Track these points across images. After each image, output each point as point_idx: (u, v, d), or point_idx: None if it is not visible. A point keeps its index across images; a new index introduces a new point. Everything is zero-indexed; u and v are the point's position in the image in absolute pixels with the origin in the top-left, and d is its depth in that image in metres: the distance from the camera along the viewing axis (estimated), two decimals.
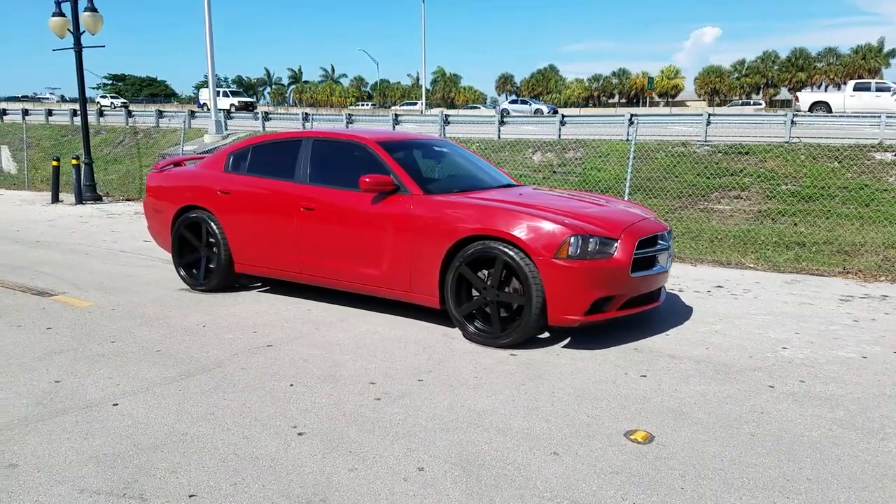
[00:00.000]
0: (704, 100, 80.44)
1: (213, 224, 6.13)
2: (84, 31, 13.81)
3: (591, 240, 4.46)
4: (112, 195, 15.38)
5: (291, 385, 4.07)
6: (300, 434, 3.42)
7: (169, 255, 7.53)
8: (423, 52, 48.32)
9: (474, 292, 4.89)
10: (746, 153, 14.23)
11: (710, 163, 13.70)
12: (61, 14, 13.65)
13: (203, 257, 6.32)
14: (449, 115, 20.06)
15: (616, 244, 4.54)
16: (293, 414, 3.66)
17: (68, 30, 13.70)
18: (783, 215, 11.73)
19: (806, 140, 14.84)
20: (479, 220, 4.69)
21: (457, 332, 5.08)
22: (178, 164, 6.95)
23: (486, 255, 4.68)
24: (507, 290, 4.70)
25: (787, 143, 14.81)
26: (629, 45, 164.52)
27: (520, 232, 4.52)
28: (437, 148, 6.16)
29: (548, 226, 4.49)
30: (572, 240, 4.41)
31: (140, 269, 7.38)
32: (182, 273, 6.44)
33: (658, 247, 4.89)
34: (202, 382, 4.10)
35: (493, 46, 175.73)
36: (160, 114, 25.34)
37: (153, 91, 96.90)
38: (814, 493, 2.90)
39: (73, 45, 13.87)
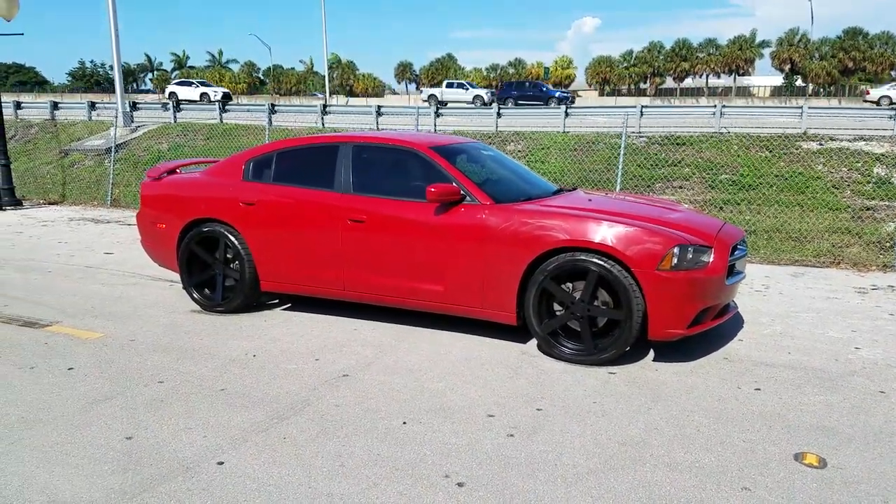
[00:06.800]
0: (595, 89, 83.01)
1: (233, 239, 5.50)
2: None
3: (690, 249, 4.33)
4: (30, 198, 13.77)
5: (405, 423, 3.67)
6: (459, 485, 3.06)
7: (159, 271, 6.80)
8: (325, 36, 46.53)
9: (555, 307, 4.65)
10: (682, 144, 14.72)
11: (648, 154, 14.06)
12: None
13: (219, 275, 5.67)
14: (382, 107, 19.56)
15: (711, 252, 4.43)
16: (433, 459, 3.29)
17: None
18: (727, 204, 12.20)
19: (734, 130, 15.59)
20: (567, 231, 4.43)
21: (532, 348, 4.82)
22: (172, 171, 6.20)
23: (575, 267, 4.44)
24: (595, 304, 4.49)
25: (717, 133, 15.48)
26: (518, 34, 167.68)
27: (617, 243, 4.31)
28: (484, 152, 5.82)
29: (647, 236, 4.31)
30: (676, 250, 4.26)
31: (128, 289, 6.55)
32: (195, 294, 5.75)
33: (738, 253, 4.83)
34: (303, 426, 3.62)
35: (386, 32, 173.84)
36: (55, 105, 23.21)
37: (21, 79, 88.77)
38: None
39: None
